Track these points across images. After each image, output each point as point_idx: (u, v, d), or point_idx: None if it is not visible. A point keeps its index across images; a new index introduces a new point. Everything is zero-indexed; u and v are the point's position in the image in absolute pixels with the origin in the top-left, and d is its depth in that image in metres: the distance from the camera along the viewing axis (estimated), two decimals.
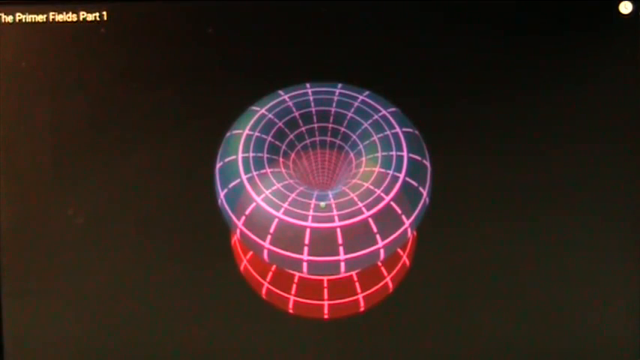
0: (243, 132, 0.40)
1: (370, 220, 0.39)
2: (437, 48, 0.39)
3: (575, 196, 0.39)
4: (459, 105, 0.39)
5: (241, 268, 0.40)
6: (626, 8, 0.39)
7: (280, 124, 0.40)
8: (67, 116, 0.39)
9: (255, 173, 0.40)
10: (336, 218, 0.39)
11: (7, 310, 0.40)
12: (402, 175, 0.40)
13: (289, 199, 0.39)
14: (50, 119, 0.39)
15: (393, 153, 0.40)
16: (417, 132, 0.40)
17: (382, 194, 0.39)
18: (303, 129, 0.41)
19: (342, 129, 0.41)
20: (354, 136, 0.41)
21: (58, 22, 0.39)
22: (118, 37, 0.39)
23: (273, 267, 0.40)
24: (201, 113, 0.39)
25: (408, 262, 0.40)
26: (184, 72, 0.39)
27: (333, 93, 0.40)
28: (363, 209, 0.39)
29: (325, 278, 0.40)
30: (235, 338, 0.40)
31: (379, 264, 0.40)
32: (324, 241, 0.39)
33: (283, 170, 0.40)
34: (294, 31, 0.39)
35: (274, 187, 0.40)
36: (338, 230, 0.39)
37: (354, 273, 0.40)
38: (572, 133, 0.39)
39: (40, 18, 0.39)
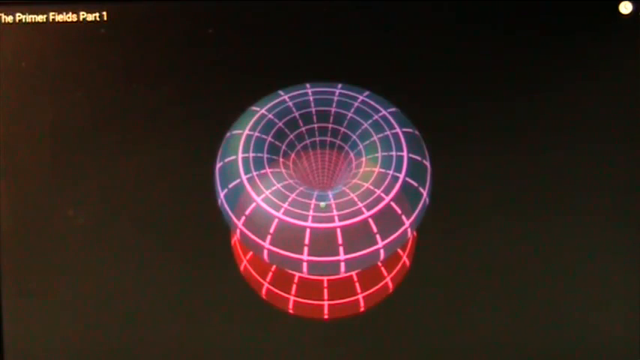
0: (243, 132, 0.40)
1: (370, 220, 0.39)
2: (437, 48, 0.39)
3: (575, 196, 0.39)
4: (459, 105, 0.39)
5: (241, 268, 0.40)
6: (626, 8, 0.39)
7: (280, 124, 0.40)
8: (67, 116, 0.39)
9: (255, 173, 0.40)
10: (336, 218, 0.39)
11: (7, 310, 0.40)
12: (402, 176, 0.40)
13: (289, 199, 0.39)
14: (50, 119, 0.39)
15: (393, 153, 0.40)
16: (417, 132, 0.40)
17: (382, 194, 0.39)
18: (303, 129, 0.41)
19: (342, 129, 0.41)
20: (354, 137, 0.41)
21: (58, 22, 0.39)
22: (118, 37, 0.39)
23: (273, 267, 0.40)
24: (201, 113, 0.39)
25: (408, 262, 0.40)
26: (184, 72, 0.39)
27: (333, 93, 0.40)
28: (363, 209, 0.39)
29: (325, 278, 0.40)
30: (235, 338, 0.40)
31: (379, 264, 0.40)
32: (324, 241, 0.39)
33: (283, 170, 0.40)
34: (294, 31, 0.39)
35: (274, 188, 0.40)
36: (338, 230, 0.39)
37: (354, 273, 0.40)
38: (572, 133, 0.39)
39: (40, 18, 0.39)
